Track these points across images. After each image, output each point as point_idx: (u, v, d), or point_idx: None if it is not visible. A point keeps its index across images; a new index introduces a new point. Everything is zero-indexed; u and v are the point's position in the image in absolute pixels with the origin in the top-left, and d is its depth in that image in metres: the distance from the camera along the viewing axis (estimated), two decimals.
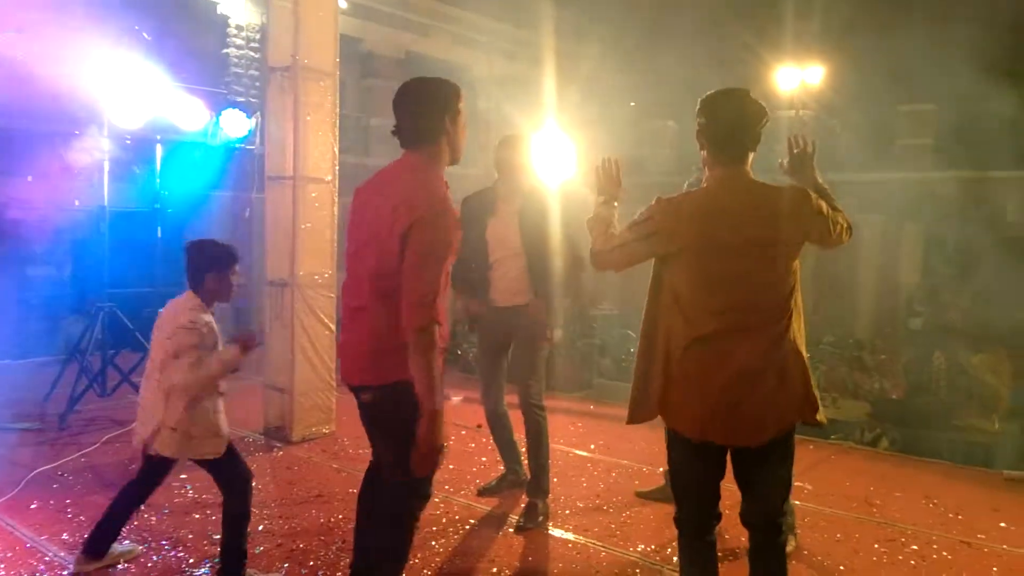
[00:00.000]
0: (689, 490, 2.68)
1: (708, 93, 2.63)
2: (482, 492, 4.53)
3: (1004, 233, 11.98)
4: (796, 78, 13.96)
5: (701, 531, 2.67)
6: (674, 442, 2.65)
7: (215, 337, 3.26)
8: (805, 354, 2.59)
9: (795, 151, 2.84)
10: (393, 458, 2.60)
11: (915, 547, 3.94)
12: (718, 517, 2.69)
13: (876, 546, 3.93)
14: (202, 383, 3.20)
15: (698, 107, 2.62)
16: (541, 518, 4.10)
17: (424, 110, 2.59)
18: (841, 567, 3.70)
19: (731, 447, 2.57)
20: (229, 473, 3.33)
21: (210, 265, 3.25)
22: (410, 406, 2.46)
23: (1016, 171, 11.90)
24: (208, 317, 3.25)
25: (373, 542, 2.77)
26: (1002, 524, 4.25)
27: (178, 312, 3.24)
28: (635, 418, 2.67)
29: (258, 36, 11.45)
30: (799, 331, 2.57)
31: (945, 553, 3.89)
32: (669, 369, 2.55)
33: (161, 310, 3.34)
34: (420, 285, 2.40)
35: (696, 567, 2.69)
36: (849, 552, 3.86)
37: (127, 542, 3.62)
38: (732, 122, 2.56)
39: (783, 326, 2.52)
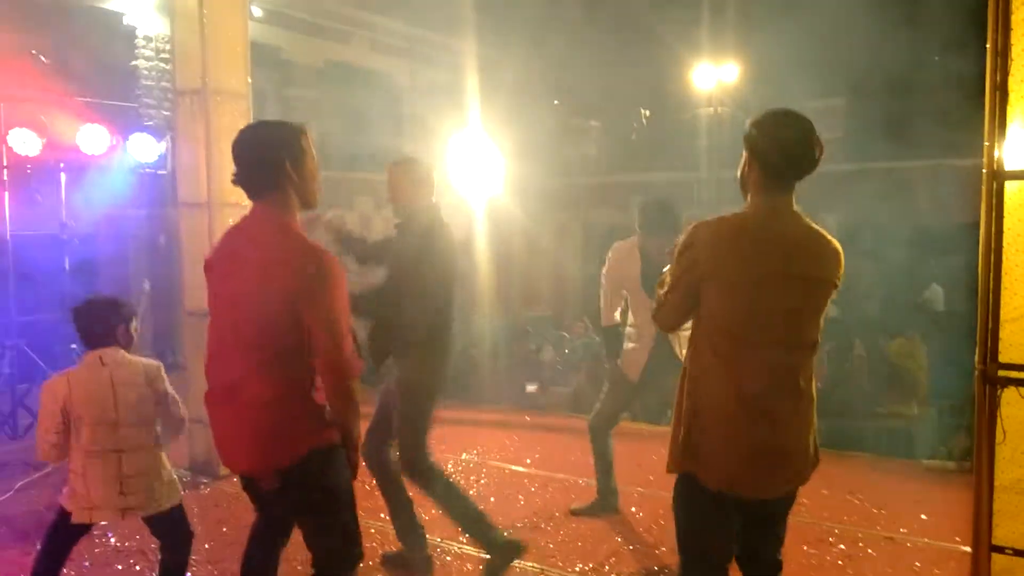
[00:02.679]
0: (708, 551, 2.38)
1: (765, 113, 2.34)
2: None
3: (915, 221, 12.47)
4: (713, 77, 14.23)
5: None
6: (692, 497, 2.37)
7: None
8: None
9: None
10: (340, 534, 2.51)
11: (842, 547, 4.06)
12: None
13: (805, 548, 4.03)
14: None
15: (752, 127, 2.33)
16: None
17: (261, 158, 2.42)
18: None
19: (747, 500, 2.34)
20: (180, 527, 3.19)
21: (121, 319, 3.17)
22: (329, 472, 2.44)
23: (924, 161, 12.39)
24: None
25: None
26: (923, 516, 4.42)
27: (130, 368, 3.11)
28: (675, 466, 2.39)
29: (168, 47, 11.06)
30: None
31: (870, 550, 4.02)
32: (701, 414, 2.31)
33: (77, 381, 3.06)
34: (339, 340, 2.33)
35: None
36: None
37: None
38: (794, 147, 2.30)
39: (809, 371, 2.37)
